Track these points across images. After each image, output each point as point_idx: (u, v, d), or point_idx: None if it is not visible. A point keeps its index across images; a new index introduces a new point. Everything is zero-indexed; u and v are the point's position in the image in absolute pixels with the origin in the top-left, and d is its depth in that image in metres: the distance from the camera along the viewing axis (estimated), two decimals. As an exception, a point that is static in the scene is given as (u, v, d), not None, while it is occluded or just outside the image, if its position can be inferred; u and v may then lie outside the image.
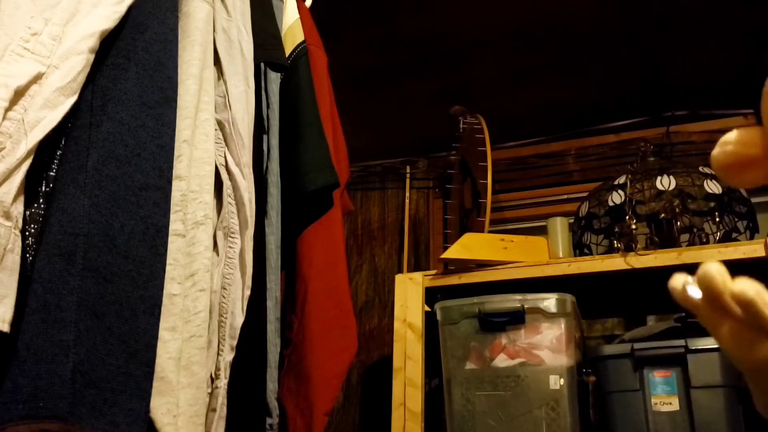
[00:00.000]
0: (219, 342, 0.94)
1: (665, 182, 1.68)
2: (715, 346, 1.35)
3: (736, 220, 1.69)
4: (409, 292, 1.63)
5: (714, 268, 0.50)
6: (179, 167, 0.88)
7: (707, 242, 1.65)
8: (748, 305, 0.48)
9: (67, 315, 0.68)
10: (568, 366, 1.43)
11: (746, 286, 0.48)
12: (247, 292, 0.99)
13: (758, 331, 0.48)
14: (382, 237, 2.47)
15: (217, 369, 0.92)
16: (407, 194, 2.47)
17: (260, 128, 1.21)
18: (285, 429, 1.21)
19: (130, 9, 0.82)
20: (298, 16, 1.36)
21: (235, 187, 0.99)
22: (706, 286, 0.50)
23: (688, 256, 1.45)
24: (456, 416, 1.48)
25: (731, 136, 0.58)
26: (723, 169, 0.60)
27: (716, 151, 0.60)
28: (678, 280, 0.54)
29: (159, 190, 0.82)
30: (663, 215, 1.66)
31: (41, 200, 0.74)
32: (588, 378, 1.53)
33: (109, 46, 0.81)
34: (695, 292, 0.52)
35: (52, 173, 0.75)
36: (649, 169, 1.74)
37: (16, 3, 0.75)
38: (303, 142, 1.23)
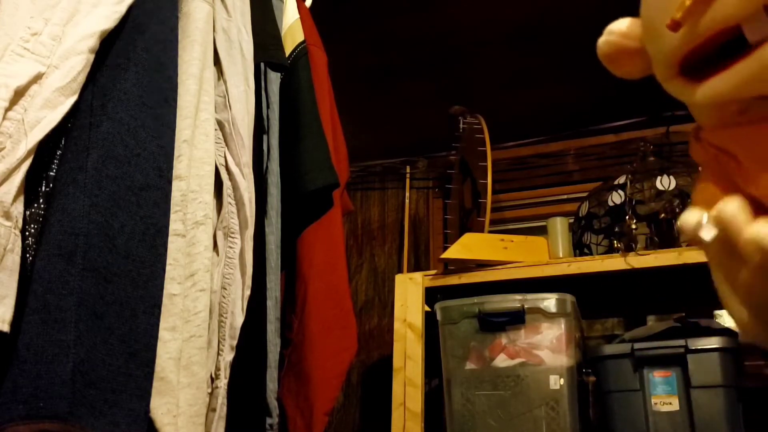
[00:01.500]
0: (219, 342, 0.94)
1: (665, 182, 1.68)
2: (716, 346, 1.35)
3: (736, 220, 1.69)
4: (409, 292, 1.63)
5: (732, 207, 0.46)
6: (179, 167, 0.88)
7: (707, 242, 1.64)
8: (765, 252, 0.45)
9: (67, 315, 0.68)
10: (568, 366, 1.43)
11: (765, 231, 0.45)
12: (247, 292, 0.99)
13: None
14: (382, 237, 2.47)
15: (217, 369, 0.92)
16: (407, 194, 2.47)
17: (260, 128, 1.21)
18: (285, 429, 1.21)
19: (130, 9, 0.82)
20: (298, 16, 1.36)
21: (235, 187, 1.00)
22: (723, 227, 0.47)
23: (688, 256, 1.45)
24: (456, 416, 1.48)
25: (615, 26, 0.58)
26: (604, 58, 0.60)
27: (602, 40, 0.59)
28: (692, 217, 0.50)
29: (159, 190, 0.82)
30: (663, 215, 1.66)
31: (41, 200, 0.74)
32: (588, 378, 1.53)
33: (109, 46, 0.81)
34: (709, 234, 0.49)
35: (52, 173, 0.75)
36: (649, 169, 1.74)
37: (16, 3, 0.75)
38: (303, 142, 1.23)
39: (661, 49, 0.55)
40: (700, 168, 0.61)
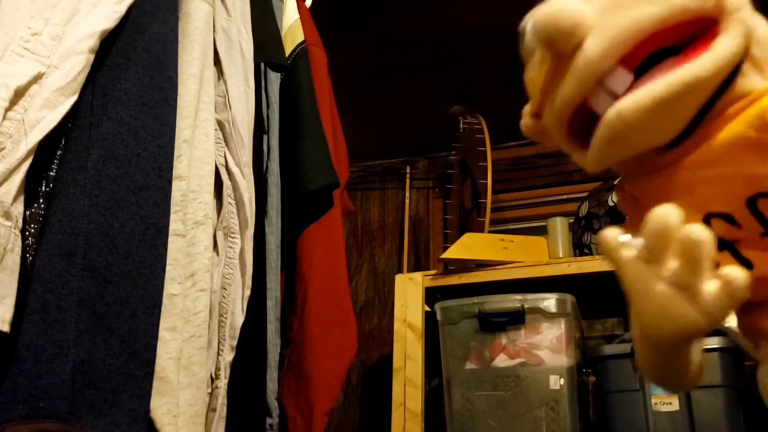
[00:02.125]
0: (219, 342, 0.94)
1: (665, 182, 1.68)
2: (716, 346, 1.35)
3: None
4: (409, 292, 1.63)
5: (666, 210, 0.50)
6: (179, 167, 0.88)
7: (707, 242, 1.64)
8: (693, 248, 0.47)
9: (67, 315, 0.68)
10: (568, 366, 1.43)
11: (698, 229, 0.47)
12: (247, 292, 0.99)
13: (688, 291, 0.47)
14: (382, 237, 2.47)
15: (217, 369, 0.92)
16: (407, 194, 2.47)
17: (260, 128, 1.21)
18: (285, 429, 1.21)
19: (130, 9, 0.82)
20: (298, 16, 1.36)
21: (235, 187, 1.00)
22: (658, 225, 0.49)
23: (688, 256, 1.44)
24: (456, 416, 1.48)
25: (527, 108, 0.64)
26: (529, 136, 0.65)
27: (521, 123, 0.66)
28: (611, 233, 0.53)
29: (159, 190, 0.82)
30: (663, 215, 1.65)
31: (41, 200, 0.74)
32: (588, 378, 1.53)
33: (109, 46, 0.81)
34: (630, 245, 0.51)
35: (52, 173, 0.75)
36: (649, 169, 1.74)
37: (16, 3, 0.75)
38: (303, 142, 1.23)
39: (550, 130, 0.60)
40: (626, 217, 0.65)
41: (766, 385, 0.58)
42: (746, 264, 0.55)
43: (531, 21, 0.54)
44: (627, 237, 0.52)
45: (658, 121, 0.51)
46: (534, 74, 0.59)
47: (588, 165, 0.57)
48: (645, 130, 0.52)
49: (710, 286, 0.47)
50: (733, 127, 0.52)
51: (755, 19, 0.54)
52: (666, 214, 0.49)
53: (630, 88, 0.52)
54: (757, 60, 0.53)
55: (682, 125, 0.53)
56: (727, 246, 0.55)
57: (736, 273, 0.47)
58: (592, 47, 0.52)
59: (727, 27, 0.51)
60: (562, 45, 0.52)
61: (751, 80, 0.52)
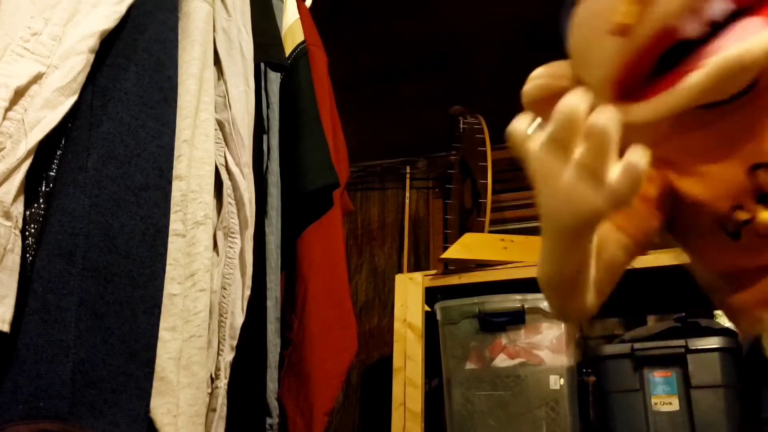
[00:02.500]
0: (219, 342, 0.94)
1: (665, 182, 1.68)
2: (716, 346, 1.35)
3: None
4: (409, 292, 1.63)
5: (574, 99, 0.48)
6: (179, 167, 0.88)
7: (707, 242, 1.64)
8: (599, 134, 0.46)
9: (67, 315, 0.68)
10: (568, 366, 1.43)
11: (604, 116, 0.47)
12: (247, 292, 0.99)
13: (592, 177, 0.47)
14: (382, 237, 2.47)
15: (217, 369, 0.92)
16: (407, 194, 2.47)
17: (260, 128, 1.21)
18: (285, 429, 1.21)
19: (130, 9, 0.82)
20: (298, 16, 1.36)
21: (235, 187, 0.99)
22: (565, 114, 0.48)
23: (688, 256, 1.44)
24: (456, 416, 1.48)
25: (540, 70, 0.60)
26: (533, 103, 0.63)
27: (527, 86, 0.62)
28: (520, 123, 0.52)
29: (159, 190, 0.82)
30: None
31: (41, 200, 0.73)
32: (588, 378, 1.53)
33: (109, 46, 0.81)
34: (537, 135, 0.50)
35: (52, 173, 0.75)
36: (649, 169, 1.74)
37: (16, 3, 0.75)
38: (303, 142, 1.23)
39: (597, 71, 0.57)
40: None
41: None
42: None
43: None
44: (534, 126, 0.51)
45: (753, 71, 0.50)
46: None
47: (642, 116, 0.54)
48: (735, 82, 0.50)
49: (613, 171, 0.47)
50: None
51: None
52: (574, 102, 0.47)
53: (726, 22, 0.50)
54: None
55: (750, 82, 0.52)
56: (766, 199, 0.55)
57: (638, 157, 0.46)
58: None
59: None
60: None
61: None
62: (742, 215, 0.59)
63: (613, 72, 0.55)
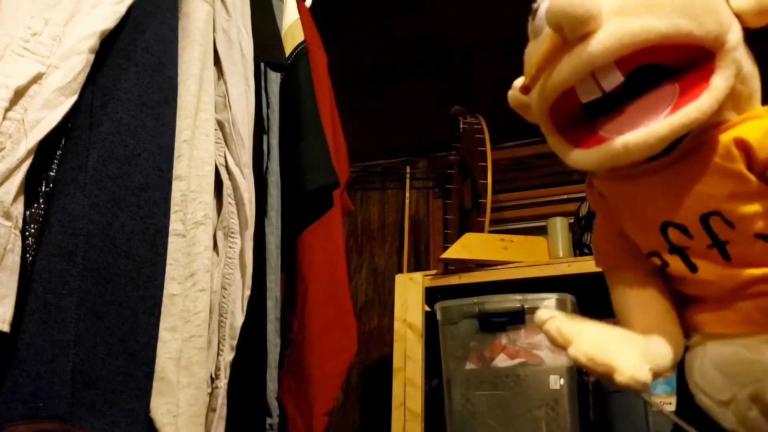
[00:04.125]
0: (219, 342, 0.94)
1: (665, 182, 1.68)
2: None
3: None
4: (409, 292, 1.63)
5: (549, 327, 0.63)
6: (179, 167, 0.88)
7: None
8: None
9: (67, 315, 0.68)
10: (568, 366, 1.43)
11: (580, 354, 0.60)
12: (247, 292, 0.99)
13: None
14: (382, 237, 2.47)
15: (217, 369, 0.92)
16: (407, 194, 2.47)
17: (260, 128, 1.21)
18: (285, 429, 1.21)
19: (130, 9, 0.82)
20: (298, 16, 1.36)
21: (235, 187, 1.00)
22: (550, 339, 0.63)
23: (688, 256, 1.44)
24: (456, 416, 1.48)
25: (517, 82, 0.71)
26: (514, 108, 0.73)
27: (509, 93, 0.73)
28: (542, 314, 0.65)
29: (159, 190, 0.82)
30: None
31: (41, 200, 0.74)
32: (588, 378, 1.53)
33: (109, 46, 0.81)
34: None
35: (52, 173, 0.75)
36: (649, 169, 1.74)
37: (16, 3, 0.75)
38: (303, 142, 1.23)
39: (533, 102, 0.65)
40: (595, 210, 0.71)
41: (692, 368, 0.66)
42: (692, 267, 0.63)
43: (548, 2, 0.58)
44: (550, 313, 0.64)
45: (653, 151, 0.57)
46: (534, 50, 0.64)
47: (570, 163, 0.64)
48: (639, 158, 0.58)
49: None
50: (704, 152, 0.59)
51: (744, 57, 0.60)
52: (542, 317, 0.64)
53: (616, 89, 0.58)
54: (738, 94, 0.60)
55: (663, 149, 0.58)
56: (678, 251, 0.63)
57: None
58: (598, 41, 0.56)
59: (723, 65, 0.57)
60: (571, 31, 0.57)
61: (728, 112, 0.59)
62: (657, 261, 0.66)
63: (544, 110, 0.64)
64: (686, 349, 0.68)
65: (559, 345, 0.61)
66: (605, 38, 0.56)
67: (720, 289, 0.62)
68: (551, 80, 0.60)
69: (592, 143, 0.60)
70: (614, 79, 0.58)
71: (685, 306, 0.68)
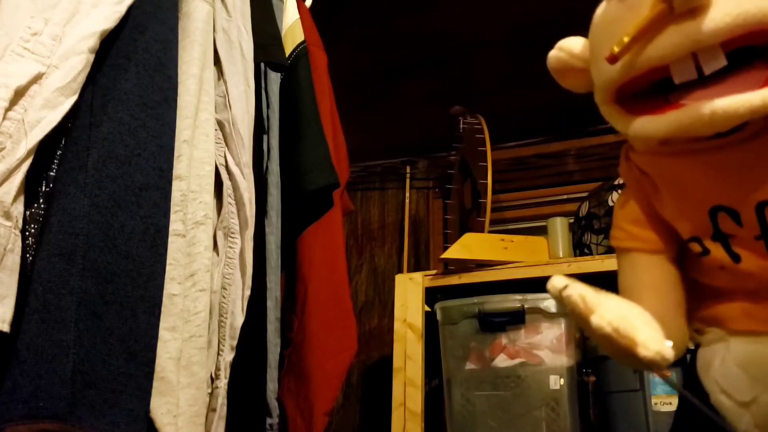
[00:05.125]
0: (219, 342, 0.94)
1: (665, 182, 1.68)
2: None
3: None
4: (409, 292, 1.63)
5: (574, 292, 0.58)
6: (179, 167, 0.88)
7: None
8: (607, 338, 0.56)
9: (67, 315, 0.68)
10: (569, 366, 1.43)
11: (604, 323, 0.55)
12: (247, 292, 0.99)
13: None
14: (382, 237, 2.47)
15: (217, 369, 0.92)
16: (407, 194, 2.47)
17: (260, 128, 1.21)
18: (285, 429, 1.21)
19: (130, 9, 0.82)
20: (298, 16, 1.36)
21: (235, 187, 0.99)
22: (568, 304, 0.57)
23: (688, 256, 1.44)
24: (456, 416, 1.48)
25: (567, 43, 0.66)
26: (551, 70, 0.68)
27: (552, 53, 0.69)
28: (558, 282, 0.59)
29: (159, 190, 0.82)
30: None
31: (41, 200, 0.74)
32: (588, 378, 1.53)
33: (109, 46, 0.81)
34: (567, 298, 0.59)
35: (52, 173, 0.75)
36: (649, 169, 1.74)
37: (16, 3, 0.75)
38: (303, 141, 1.23)
39: (601, 75, 0.61)
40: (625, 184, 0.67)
41: (711, 365, 0.63)
42: (735, 257, 0.59)
43: None
44: (564, 281, 0.59)
45: (740, 120, 0.53)
46: (622, 14, 0.58)
47: (630, 132, 0.58)
48: (721, 127, 0.54)
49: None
50: None
51: None
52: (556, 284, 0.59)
53: (718, 74, 0.53)
54: None
55: (737, 125, 0.55)
56: (721, 238, 0.59)
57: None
58: (711, 19, 0.51)
59: None
60: (683, 3, 0.51)
61: None
62: (696, 248, 0.62)
63: (613, 85, 0.59)
64: (697, 345, 0.66)
65: (580, 313, 0.56)
66: (719, 17, 0.51)
67: (758, 283, 0.59)
68: (647, 53, 0.55)
69: (667, 110, 0.55)
70: (717, 63, 0.53)
71: (702, 300, 0.65)
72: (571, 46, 0.66)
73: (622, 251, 0.69)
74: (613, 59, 0.56)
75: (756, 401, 0.59)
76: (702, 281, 0.65)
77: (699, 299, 0.65)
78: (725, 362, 0.62)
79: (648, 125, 0.57)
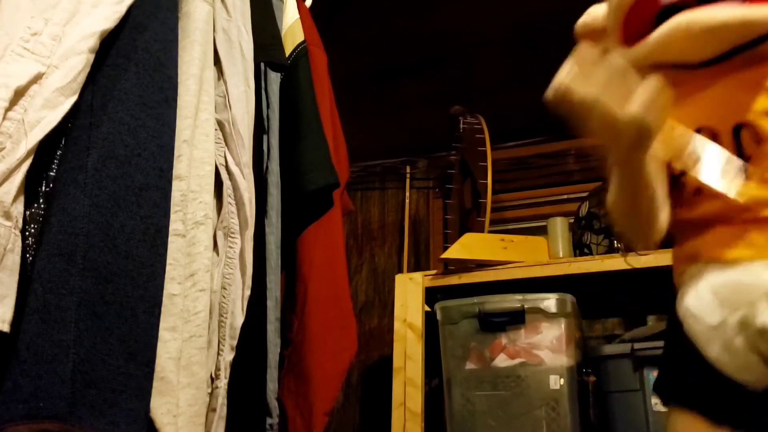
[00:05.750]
0: (219, 342, 0.94)
1: (665, 182, 1.68)
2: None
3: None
4: (409, 292, 1.63)
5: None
6: (179, 167, 0.88)
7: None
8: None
9: (67, 315, 0.68)
10: (568, 366, 1.42)
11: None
12: (247, 292, 0.99)
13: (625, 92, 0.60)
14: (382, 237, 2.47)
15: (217, 369, 0.92)
16: (407, 194, 2.47)
17: (260, 128, 1.21)
18: (285, 429, 1.21)
19: (130, 9, 0.82)
20: (298, 16, 1.36)
21: (235, 187, 0.99)
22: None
23: (688, 256, 1.44)
24: (456, 416, 1.48)
25: (592, 8, 0.73)
26: (577, 34, 0.76)
27: (579, 21, 0.76)
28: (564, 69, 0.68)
29: (159, 190, 0.82)
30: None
31: (41, 200, 0.73)
32: (588, 378, 1.53)
33: (109, 46, 0.81)
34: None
35: (52, 173, 0.75)
36: (649, 169, 1.74)
37: (16, 3, 0.75)
38: (303, 141, 1.23)
39: (608, 15, 0.67)
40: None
41: (685, 296, 0.66)
42: None
43: None
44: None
45: (711, 41, 0.58)
46: None
47: (630, 55, 0.63)
48: (697, 45, 0.59)
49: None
50: (760, 67, 0.59)
51: None
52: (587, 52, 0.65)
53: None
54: None
55: (722, 51, 0.60)
56: None
57: (653, 80, 0.57)
58: None
59: None
60: None
61: None
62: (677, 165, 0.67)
63: (617, 22, 0.65)
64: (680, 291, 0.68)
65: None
66: None
67: (730, 209, 0.62)
68: None
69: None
70: None
71: (684, 240, 0.68)
72: (592, 11, 0.74)
73: None
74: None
75: (724, 324, 0.62)
76: (682, 217, 0.68)
77: (681, 241, 0.68)
78: (698, 289, 0.65)
79: (637, 49, 0.63)
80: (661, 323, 1.61)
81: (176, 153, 0.87)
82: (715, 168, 0.61)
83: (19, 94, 0.70)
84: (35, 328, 0.66)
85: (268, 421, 1.13)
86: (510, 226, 2.32)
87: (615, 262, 1.51)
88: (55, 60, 0.74)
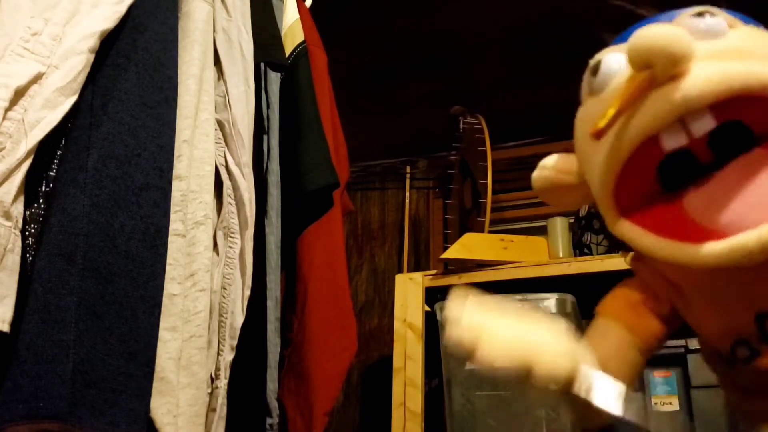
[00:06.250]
0: (219, 342, 0.94)
1: (665, 182, 1.68)
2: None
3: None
4: (409, 292, 1.63)
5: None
6: (179, 167, 0.88)
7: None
8: None
9: (67, 315, 0.68)
10: (568, 366, 1.42)
11: None
12: (247, 292, 0.99)
13: None
14: (382, 237, 2.47)
15: (217, 369, 0.92)
16: (407, 194, 2.47)
17: (260, 128, 1.21)
18: (285, 429, 1.21)
19: (130, 9, 0.82)
20: (298, 16, 1.36)
21: (235, 187, 0.99)
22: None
23: (688, 256, 1.44)
24: (456, 416, 1.48)
25: (550, 161, 0.63)
26: (539, 191, 0.66)
27: (535, 174, 0.66)
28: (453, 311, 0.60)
29: (159, 190, 0.82)
30: (663, 215, 1.65)
31: (41, 200, 0.74)
32: (588, 378, 1.53)
33: (109, 46, 0.81)
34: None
35: (52, 173, 0.75)
36: (649, 169, 1.74)
37: (16, 3, 0.75)
38: (303, 141, 1.23)
39: (594, 170, 0.58)
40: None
41: None
42: None
43: (637, 38, 0.52)
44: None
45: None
46: (596, 107, 0.57)
47: (665, 254, 0.55)
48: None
49: None
50: None
51: None
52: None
53: (707, 135, 0.52)
54: None
55: None
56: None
57: None
58: (694, 84, 0.50)
59: None
60: (664, 69, 0.51)
61: None
62: (744, 353, 0.61)
63: (609, 178, 0.57)
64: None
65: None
66: (701, 80, 0.50)
67: None
68: (634, 124, 0.53)
69: (697, 237, 0.52)
70: (706, 125, 0.52)
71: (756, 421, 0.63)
72: (555, 162, 0.64)
73: (603, 315, 0.71)
74: (599, 133, 0.54)
75: None
76: (748, 397, 0.64)
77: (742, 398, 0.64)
78: None
79: (691, 252, 0.53)
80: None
81: (176, 153, 0.87)
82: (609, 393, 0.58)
83: (19, 94, 0.70)
84: (35, 328, 0.66)
85: (268, 421, 1.13)
86: (510, 226, 2.32)
87: (615, 262, 1.51)
88: (55, 60, 0.74)
